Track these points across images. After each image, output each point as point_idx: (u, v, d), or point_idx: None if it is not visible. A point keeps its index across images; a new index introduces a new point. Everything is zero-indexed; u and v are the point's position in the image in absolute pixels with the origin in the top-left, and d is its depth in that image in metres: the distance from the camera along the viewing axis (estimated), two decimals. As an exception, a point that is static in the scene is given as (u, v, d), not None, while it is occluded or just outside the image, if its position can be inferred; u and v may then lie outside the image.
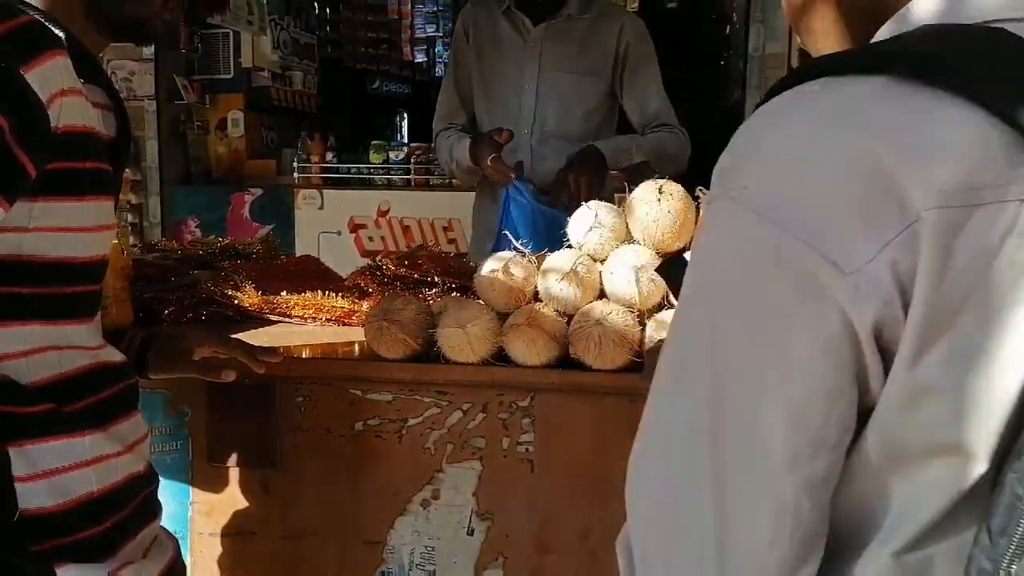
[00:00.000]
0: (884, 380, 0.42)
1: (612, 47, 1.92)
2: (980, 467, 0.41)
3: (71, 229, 0.78)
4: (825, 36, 0.53)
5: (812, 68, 0.44)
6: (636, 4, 4.02)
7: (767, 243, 0.41)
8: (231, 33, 3.91)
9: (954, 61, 0.40)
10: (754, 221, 0.41)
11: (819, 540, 0.45)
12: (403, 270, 1.46)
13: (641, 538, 0.47)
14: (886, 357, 0.41)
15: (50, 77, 0.72)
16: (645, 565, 0.47)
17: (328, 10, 4.98)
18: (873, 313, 0.40)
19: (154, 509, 0.92)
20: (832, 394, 0.41)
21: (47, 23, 0.76)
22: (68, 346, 0.81)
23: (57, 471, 0.77)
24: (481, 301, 1.16)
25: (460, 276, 1.44)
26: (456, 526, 1.16)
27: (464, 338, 1.09)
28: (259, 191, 3.85)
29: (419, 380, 1.14)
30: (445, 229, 3.83)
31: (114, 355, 0.89)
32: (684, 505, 0.45)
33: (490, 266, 1.15)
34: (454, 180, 3.36)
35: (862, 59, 0.43)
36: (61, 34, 0.77)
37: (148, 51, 3.71)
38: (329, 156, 3.98)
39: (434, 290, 1.39)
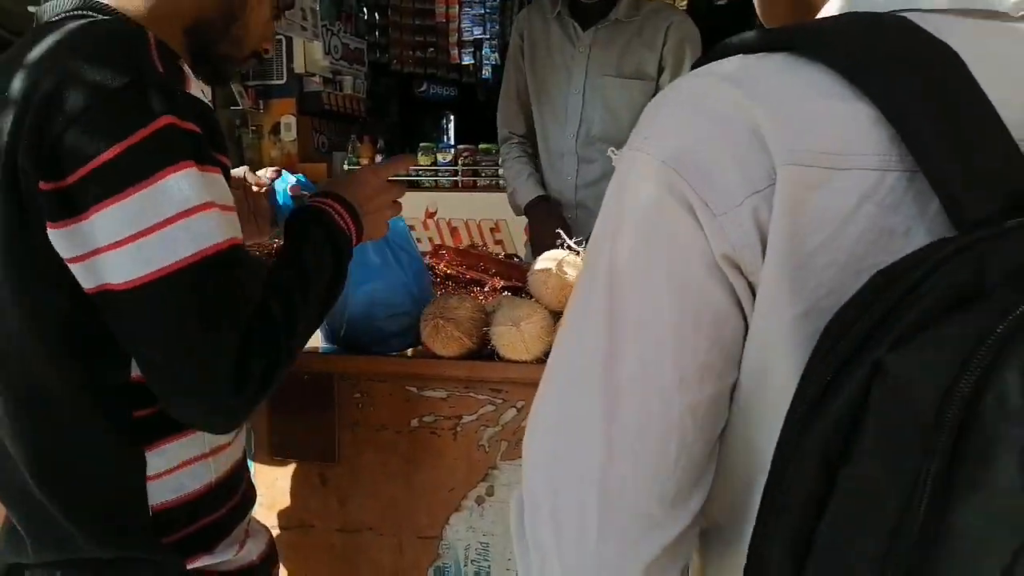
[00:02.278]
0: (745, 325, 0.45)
1: (658, 48, 1.92)
2: None
3: None
4: (772, 14, 0.59)
5: (725, 47, 0.49)
6: (684, 2, 3.99)
7: (664, 182, 0.45)
8: (284, 40, 4.01)
9: (843, 44, 0.44)
10: (650, 162, 0.46)
11: (703, 476, 0.47)
12: (457, 269, 1.48)
13: (531, 479, 0.48)
14: (753, 292, 0.45)
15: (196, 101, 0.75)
16: (533, 507, 0.47)
17: (377, 15, 5.05)
18: (730, 249, 0.44)
19: (255, 491, 0.95)
20: (719, 318, 0.45)
21: (170, 79, 0.75)
22: None
23: (182, 465, 0.79)
24: (534, 299, 1.17)
25: (511, 275, 1.45)
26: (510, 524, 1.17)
27: (518, 336, 1.09)
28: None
29: (473, 378, 1.16)
30: (492, 230, 3.86)
31: None
32: (574, 436, 0.46)
33: (543, 265, 1.16)
34: (501, 181, 3.39)
35: (768, 37, 0.47)
36: (199, 97, 0.77)
37: (205, 59, 3.83)
38: (378, 158, 4.04)
39: (486, 288, 1.41)
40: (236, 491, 0.87)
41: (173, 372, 0.72)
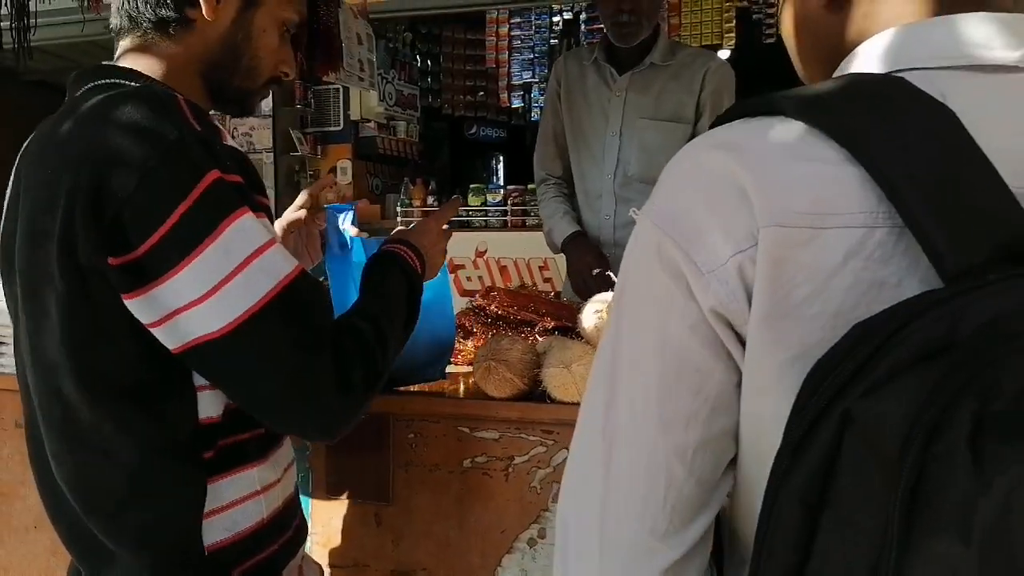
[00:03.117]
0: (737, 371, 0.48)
1: (696, 91, 1.94)
2: None
3: None
4: (807, 74, 0.62)
5: (730, 111, 0.52)
6: (733, 41, 4.01)
7: (655, 244, 0.50)
8: (341, 88, 4.18)
9: (834, 109, 0.47)
10: (650, 228, 0.50)
11: (702, 509, 0.51)
12: (507, 310, 1.50)
13: (562, 506, 0.54)
14: (743, 344, 0.48)
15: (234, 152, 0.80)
16: (563, 527, 0.53)
17: (429, 62, 5.23)
18: (721, 307, 0.47)
19: (307, 527, 0.98)
20: (702, 371, 0.49)
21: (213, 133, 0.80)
22: None
23: (234, 504, 0.82)
24: (585, 341, 1.18)
25: (561, 315, 1.46)
26: (562, 566, 1.17)
27: (569, 377, 1.10)
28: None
29: (525, 419, 1.17)
30: (541, 268, 3.89)
31: None
32: (583, 475, 0.52)
33: (593, 307, 1.17)
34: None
35: (765, 102, 0.50)
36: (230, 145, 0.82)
37: (266, 108, 4.02)
38: (430, 200, 4.14)
39: (536, 328, 1.42)
40: (288, 527, 0.90)
41: (282, 398, 0.77)
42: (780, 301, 0.45)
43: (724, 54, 4.07)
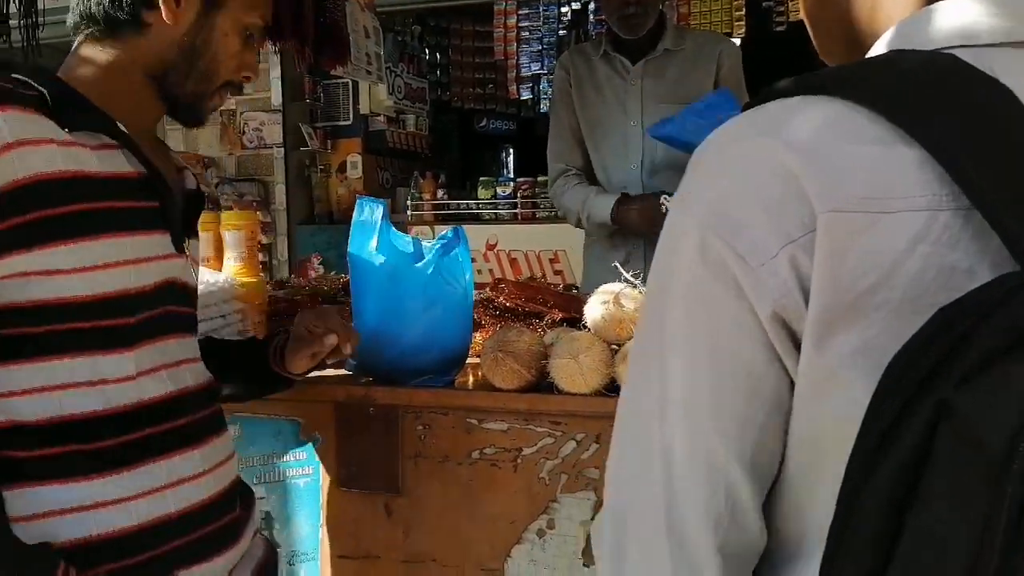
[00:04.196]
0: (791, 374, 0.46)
1: (713, 71, 1.95)
2: None
3: (68, 271, 0.76)
4: (826, 52, 0.59)
5: (766, 93, 0.49)
6: (743, 29, 3.98)
7: (695, 240, 0.47)
8: (350, 82, 4.18)
9: (883, 86, 0.44)
10: (688, 221, 0.48)
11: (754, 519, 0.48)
12: (516, 302, 1.51)
13: (613, 503, 0.52)
14: (798, 346, 0.45)
15: None
16: (616, 522, 0.51)
17: (439, 55, 5.22)
18: (772, 303, 0.45)
19: (232, 536, 0.91)
20: (754, 375, 0.46)
21: (21, 86, 0.76)
22: (77, 383, 0.78)
23: (87, 508, 0.78)
24: (592, 332, 1.18)
25: (570, 307, 1.46)
26: (572, 557, 1.17)
27: (576, 368, 1.11)
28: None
29: (533, 410, 1.17)
30: (551, 261, 3.88)
31: (158, 390, 0.84)
32: (641, 475, 0.50)
33: (601, 298, 1.17)
34: (559, 212, 3.41)
35: (807, 82, 0.48)
36: (41, 91, 0.76)
37: (276, 103, 4.03)
38: (440, 193, 4.15)
39: (545, 320, 1.42)
40: (181, 534, 0.84)
41: None
42: (841, 291, 0.43)
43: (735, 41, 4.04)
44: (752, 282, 0.45)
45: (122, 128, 0.83)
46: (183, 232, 0.92)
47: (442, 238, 1.25)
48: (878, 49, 0.52)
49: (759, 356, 0.46)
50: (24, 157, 0.73)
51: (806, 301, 0.44)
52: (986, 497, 0.34)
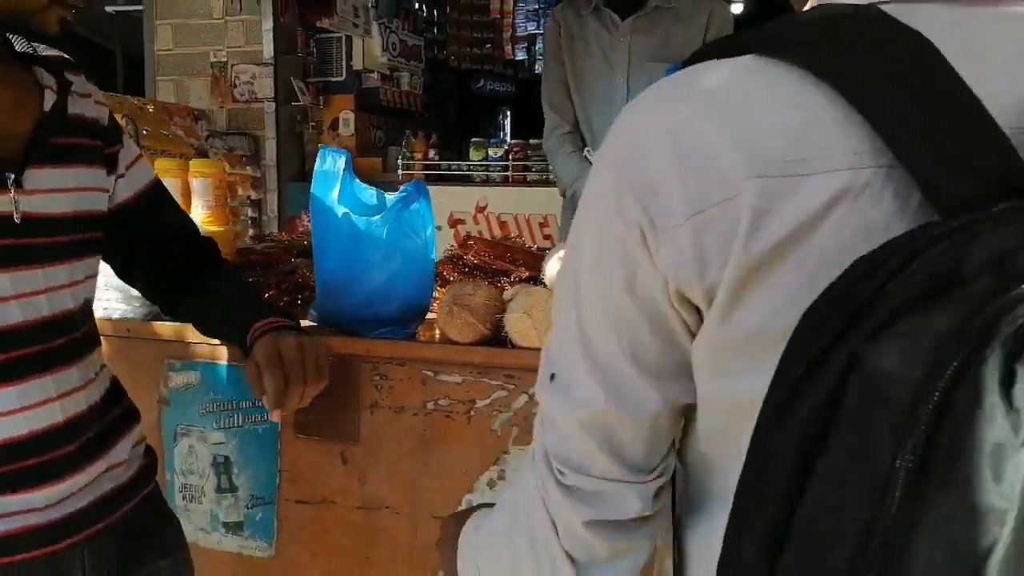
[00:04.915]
0: (691, 339, 0.49)
1: (703, 28, 1.94)
2: None
3: None
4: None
5: (699, 52, 0.50)
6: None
7: (613, 191, 0.48)
8: (343, 37, 4.12)
9: (810, 39, 0.44)
10: (607, 173, 0.49)
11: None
12: (483, 259, 1.51)
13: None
14: (693, 314, 0.47)
15: None
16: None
17: (435, 12, 5.14)
18: (671, 270, 0.46)
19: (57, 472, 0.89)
20: (623, 324, 0.49)
21: None
22: None
23: None
24: (549, 288, 1.18)
25: (537, 266, 1.47)
26: (522, 507, 1.20)
27: (529, 323, 1.12)
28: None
29: (488, 364, 1.18)
30: (541, 225, 3.88)
31: None
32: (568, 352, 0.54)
33: (557, 254, 1.17)
34: (550, 176, 3.40)
35: (733, 41, 0.48)
36: None
37: (268, 56, 3.98)
38: (432, 153, 4.12)
39: (512, 277, 1.43)
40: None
41: None
42: (759, 256, 0.43)
43: (736, 8, 3.96)
44: (655, 246, 0.46)
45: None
46: (24, 164, 0.86)
47: (403, 191, 1.25)
48: (810, 3, 0.51)
49: (643, 321, 0.49)
50: None
51: (701, 275, 0.45)
52: (890, 450, 0.34)
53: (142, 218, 1.04)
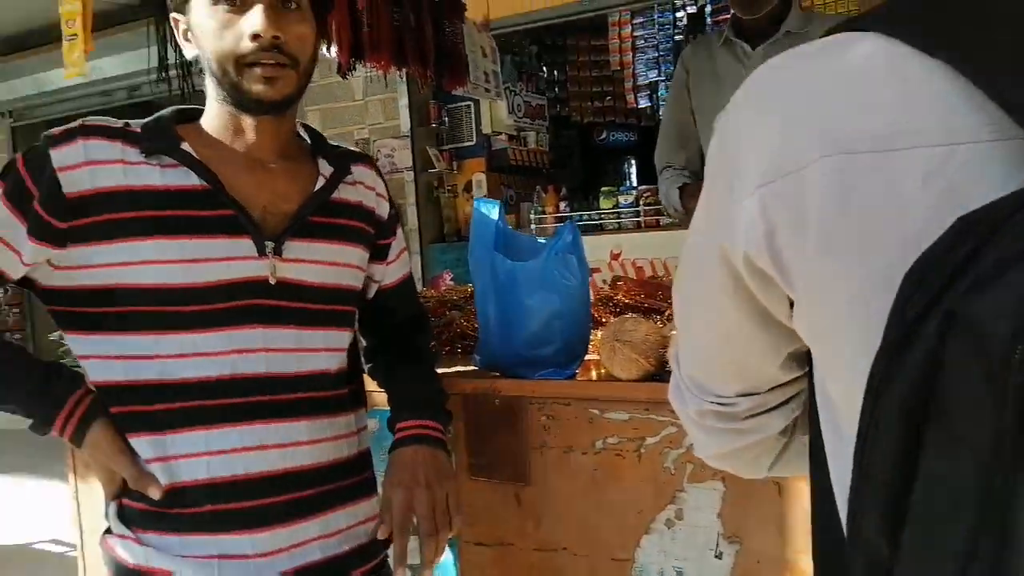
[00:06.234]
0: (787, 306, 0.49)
1: None
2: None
3: (128, 264, 0.92)
4: None
5: (827, 30, 0.50)
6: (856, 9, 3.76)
7: (716, 160, 0.52)
8: (472, 104, 4.36)
9: (915, 16, 0.44)
10: (715, 147, 0.52)
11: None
12: (635, 299, 1.52)
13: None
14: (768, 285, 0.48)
15: (68, 155, 0.91)
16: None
17: (556, 72, 5.32)
18: (740, 237, 0.47)
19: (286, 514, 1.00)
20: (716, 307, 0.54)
21: (103, 121, 0.95)
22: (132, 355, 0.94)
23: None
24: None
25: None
26: (703, 547, 1.16)
27: (697, 356, 1.10)
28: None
29: (654, 400, 1.17)
30: (677, 267, 3.83)
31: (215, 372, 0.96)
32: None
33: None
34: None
35: (850, 21, 0.47)
36: (118, 124, 0.96)
37: (405, 129, 4.27)
38: (562, 206, 4.21)
39: (665, 315, 1.43)
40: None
41: None
42: (848, 231, 0.43)
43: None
44: (732, 212, 0.48)
45: (186, 150, 0.96)
46: (284, 235, 0.99)
47: (557, 233, 1.29)
48: None
49: (727, 285, 0.51)
50: (95, 173, 0.92)
51: (769, 241, 0.45)
52: (995, 406, 0.32)
53: (395, 301, 1.20)
